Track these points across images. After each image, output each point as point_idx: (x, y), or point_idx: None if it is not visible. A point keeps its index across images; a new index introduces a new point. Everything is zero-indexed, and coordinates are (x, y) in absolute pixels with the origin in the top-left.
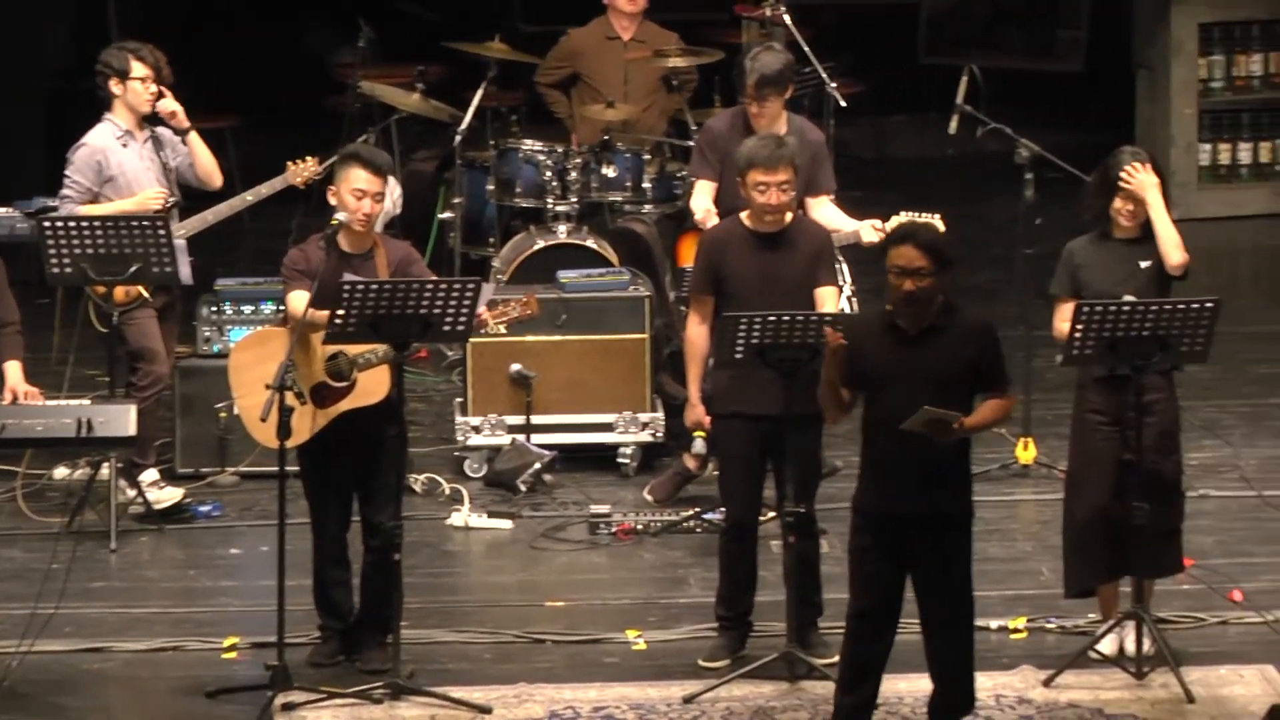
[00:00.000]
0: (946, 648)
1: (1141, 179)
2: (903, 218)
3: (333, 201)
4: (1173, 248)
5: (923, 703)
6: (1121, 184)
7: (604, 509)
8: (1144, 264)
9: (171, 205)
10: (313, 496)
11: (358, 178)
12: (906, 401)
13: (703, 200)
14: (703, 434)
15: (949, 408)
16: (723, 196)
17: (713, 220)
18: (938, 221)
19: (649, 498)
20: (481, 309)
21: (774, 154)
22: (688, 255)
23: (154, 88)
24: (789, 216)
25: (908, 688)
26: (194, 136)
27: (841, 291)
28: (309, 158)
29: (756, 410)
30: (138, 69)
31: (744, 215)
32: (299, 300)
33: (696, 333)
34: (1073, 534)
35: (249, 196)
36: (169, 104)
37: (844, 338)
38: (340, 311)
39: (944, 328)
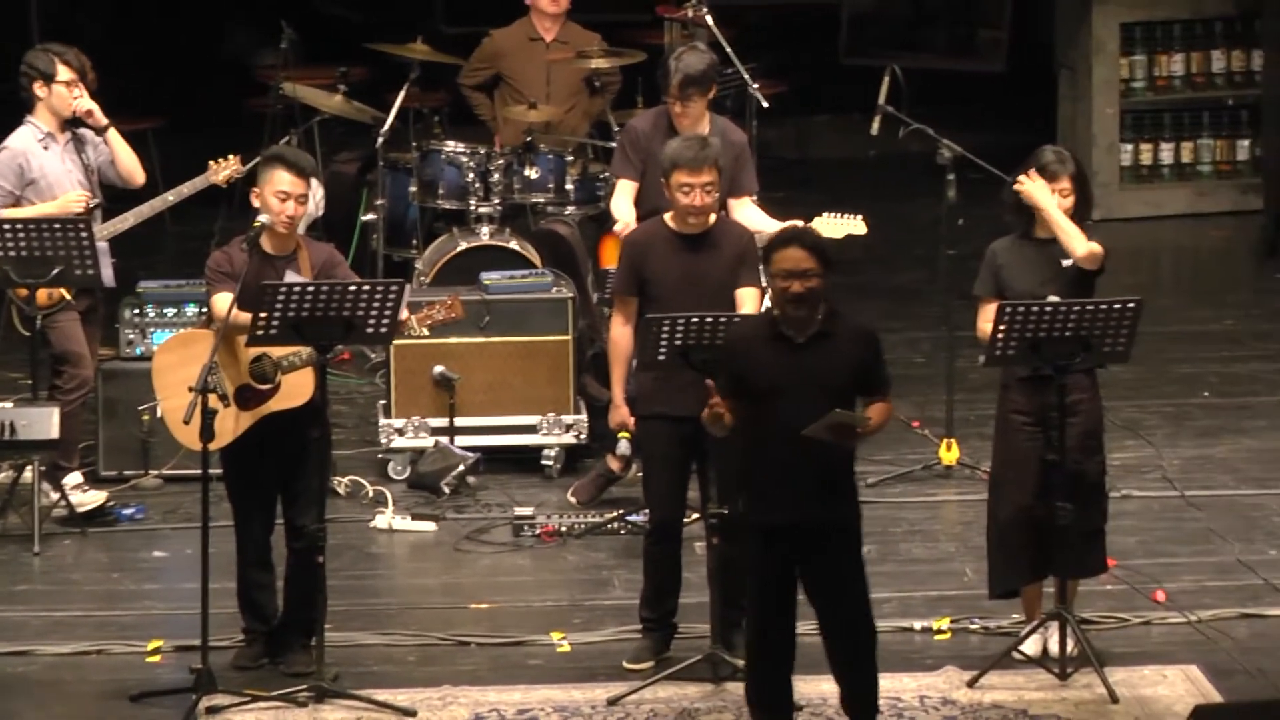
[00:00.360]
0: (850, 654)
1: (1030, 187)
2: (825, 218)
3: (255, 203)
4: (1075, 240)
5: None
6: (1017, 189)
7: (528, 511)
8: (1066, 263)
9: (94, 207)
10: (236, 499)
11: (281, 179)
12: (799, 410)
13: (623, 201)
14: (627, 435)
15: (831, 410)
16: (644, 197)
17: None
18: (860, 222)
19: (572, 499)
20: (404, 312)
21: (698, 155)
22: (610, 257)
23: (78, 91)
24: (712, 218)
25: (832, 689)
26: (113, 134)
27: (765, 293)
28: (231, 156)
29: (679, 412)
30: (63, 72)
31: (667, 216)
32: (223, 302)
33: (620, 334)
34: (996, 535)
35: (170, 196)
36: (85, 102)
37: (731, 349)
38: (263, 314)
39: (830, 333)
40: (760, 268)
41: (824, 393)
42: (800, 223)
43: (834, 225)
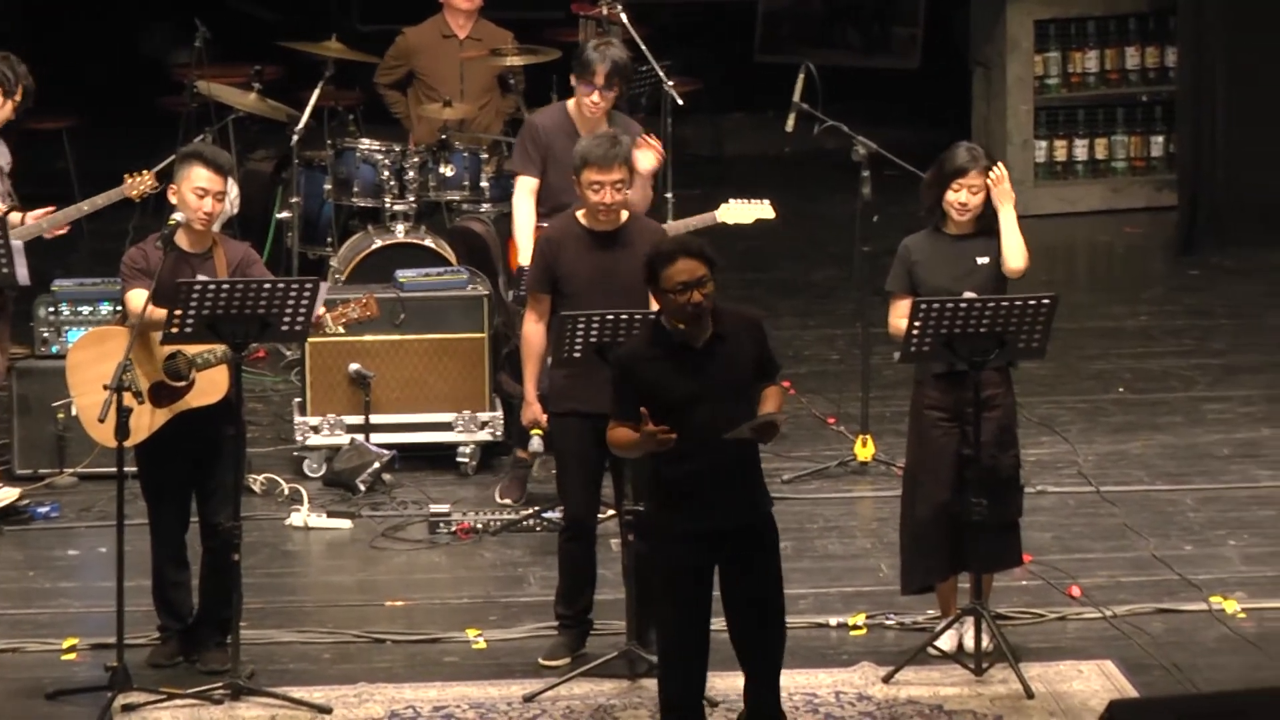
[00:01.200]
0: (763, 656)
1: (1004, 190)
2: (733, 204)
3: (173, 200)
4: (1016, 255)
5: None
6: (990, 184)
7: (443, 508)
8: (981, 260)
9: (8, 210)
10: (151, 497)
11: (199, 176)
12: (712, 415)
13: (524, 201)
14: (539, 432)
15: (744, 408)
16: (546, 194)
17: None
18: (768, 207)
19: (504, 500)
20: (320, 310)
21: (608, 153)
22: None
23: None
24: (625, 215)
25: None
26: None
27: None
28: (145, 171)
29: (592, 409)
30: None
31: (580, 213)
32: (137, 298)
33: (533, 331)
34: (911, 531)
35: (85, 206)
36: None
37: (629, 370)
38: (177, 311)
39: (723, 333)
40: None
41: (732, 393)
42: (751, 203)
43: (742, 211)
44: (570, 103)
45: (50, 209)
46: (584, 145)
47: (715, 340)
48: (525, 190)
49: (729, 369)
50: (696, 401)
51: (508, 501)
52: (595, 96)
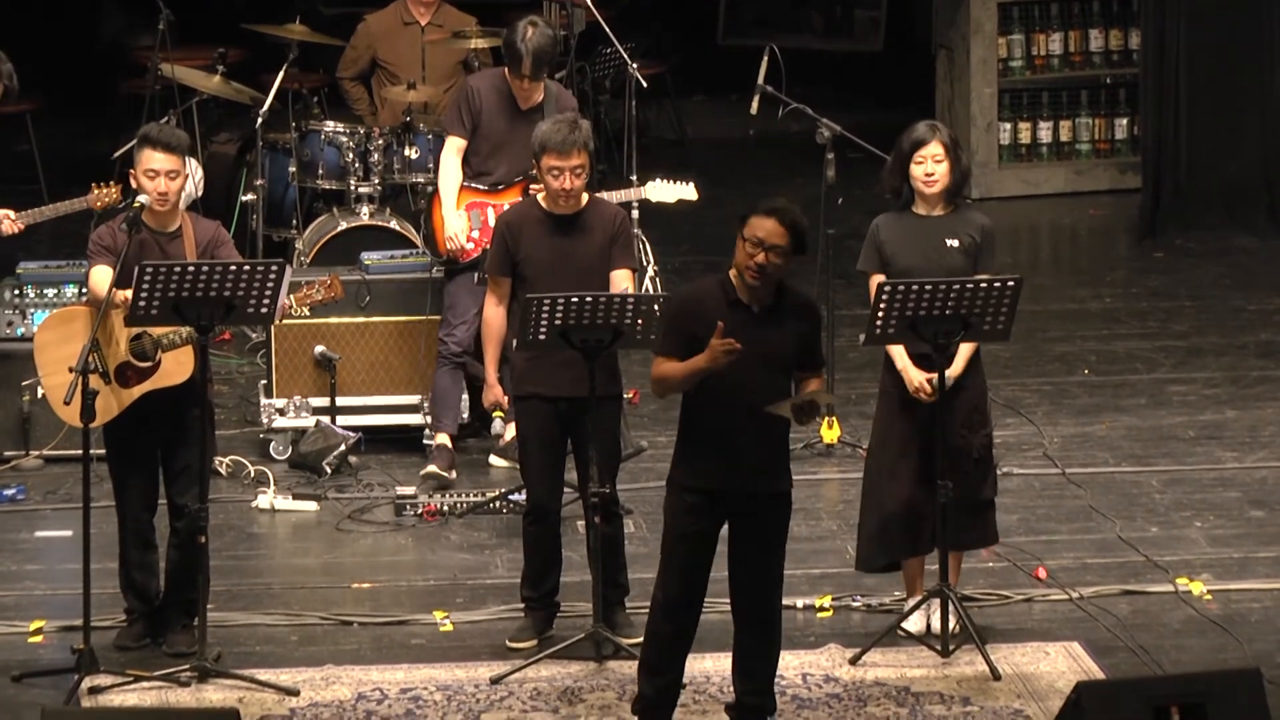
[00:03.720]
0: (759, 623)
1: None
2: (657, 184)
3: (135, 184)
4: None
5: (730, 682)
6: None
7: (409, 490)
8: (950, 242)
9: None
10: (117, 479)
11: (150, 158)
12: (744, 378)
13: (451, 160)
14: (501, 414)
15: (778, 385)
16: (472, 156)
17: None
18: (691, 188)
19: (431, 469)
20: (285, 298)
21: (567, 139)
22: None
23: None
24: (585, 198)
25: (714, 666)
26: None
27: (644, 273)
28: (112, 183)
29: (555, 392)
30: None
31: (540, 196)
32: (99, 275)
33: (493, 313)
34: (875, 511)
35: (47, 211)
36: None
37: (684, 309)
38: (143, 293)
39: (780, 306)
40: (639, 246)
41: (770, 364)
42: (675, 182)
43: (665, 190)
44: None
45: (8, 212)
46: (543, 131)
47: (772, 311)
48: (452, 149)
49: (776, 341)
50: (738, 361)
51: (434, 469)
52: (525, 84)
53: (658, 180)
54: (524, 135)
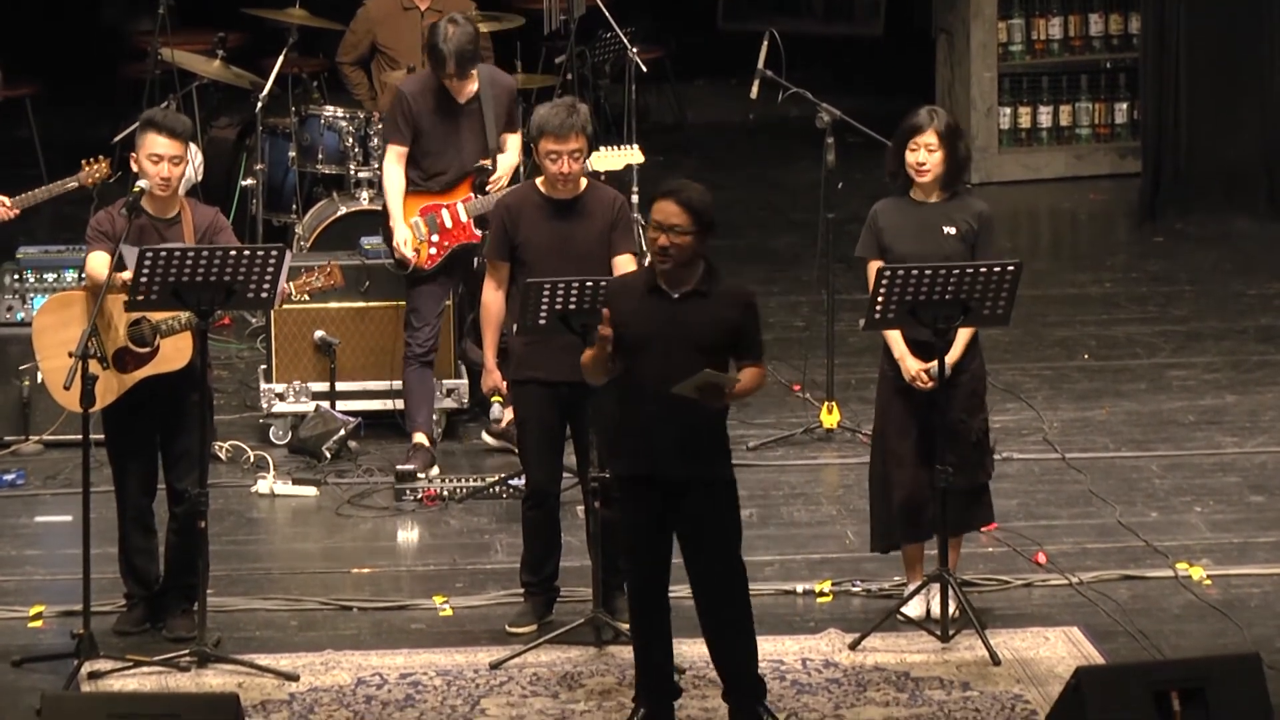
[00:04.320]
0: (716, 615)
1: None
2: (602, 152)
3: (135, 169)
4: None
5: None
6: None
7: (409, 467)
8: (947, 230)
9: None
10: (116, 464)
11: (154, 143)
12: (665, 364)
13: (394, 170)
14: (499, 399)
15: (705, 369)
16: (422, 160)
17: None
18: (636, 151)
19: (408, 466)
20: (285, 285)
21: (564, 123)
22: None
23: None
24: (584, 183)
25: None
26: None
27: (643, 258)
28: (101, 159)
29: (553, 376)
30: None
31: (539, 181)
32: (96, 261)
33: (492, 298)
34: (878, 493)
35: (40, 193)
36: None
37: (609, 298)
38: (142, 278)
39: (706, 292)
40: (634, 232)
41: (692, 349)
42: (620, 148)
43: (611, 158)
44: None
45: (1, 198)
46: (541, 115)
47: (693, 295)
48: (393, 157)
49: (694, 325)
50: (650, 347)
51: (411, 467)
52: (453, 84)
53: (601, 149)
54: (466, 129)
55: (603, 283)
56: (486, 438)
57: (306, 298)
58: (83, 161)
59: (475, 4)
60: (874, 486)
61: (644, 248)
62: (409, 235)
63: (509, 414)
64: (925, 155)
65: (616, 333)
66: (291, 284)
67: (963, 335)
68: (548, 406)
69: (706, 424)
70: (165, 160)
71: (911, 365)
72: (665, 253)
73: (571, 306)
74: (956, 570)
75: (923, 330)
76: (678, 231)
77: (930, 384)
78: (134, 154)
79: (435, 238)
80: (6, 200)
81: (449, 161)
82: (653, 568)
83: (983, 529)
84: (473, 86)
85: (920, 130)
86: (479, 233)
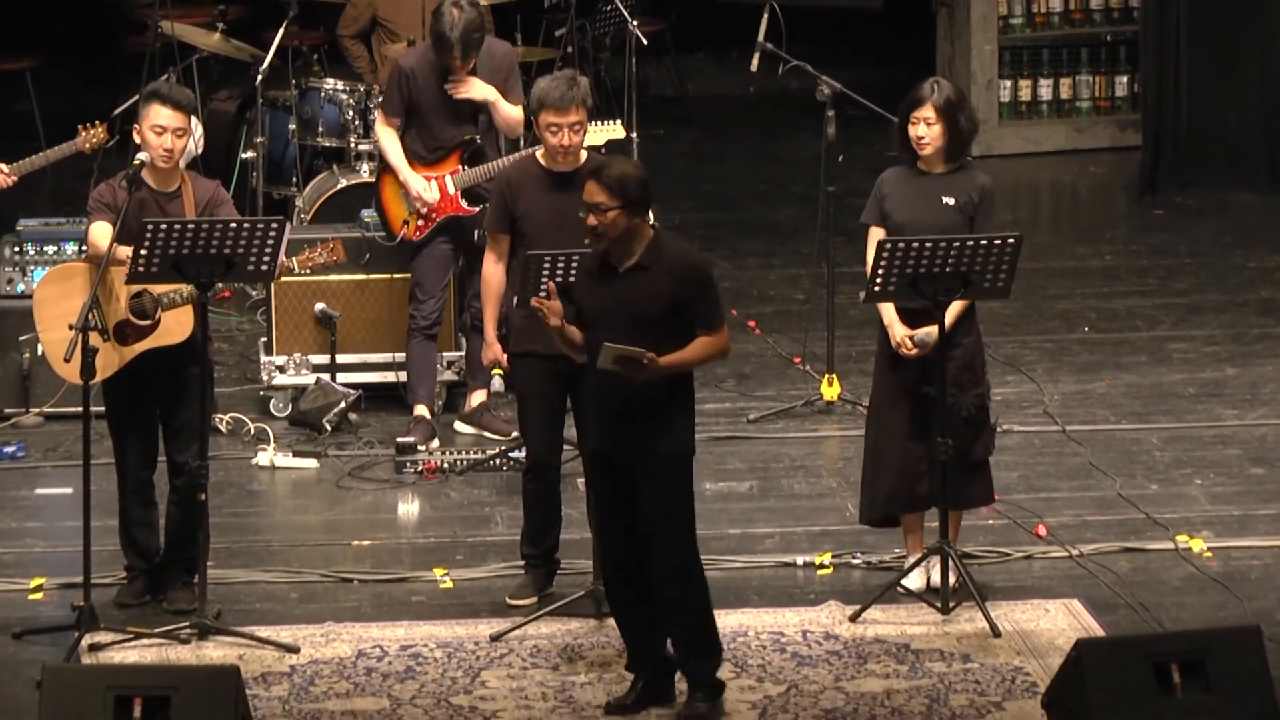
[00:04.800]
0: (661, 594)
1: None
2: (592, 126)
3: (137, 140)
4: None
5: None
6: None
7: (410, 440)
8: (947, 200)
9: None
10: (116, 437)
11: (158, 114)
12: (607, 339)
13: (391, 142)
14: (500, 371)
15: (653, 346)
16: (422, 134)
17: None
18: (618, 126)
19: (408, 438)
20: (287, 258)
21: (565, 95)
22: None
23: None
24: (584, 155)
25: (720, 623)
26: None
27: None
28: (98, 124)
29: (553, 349)
30: None
31: (539, 153)
32: (99, 231)
33: (492, 271)
34: (872, 463)
35: (38, 160)
36: None
37: (568, 280)
38: (143, 250)
39: (649, 265)
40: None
41: (634, 324)
42: (604, 124)
43: (594, 133)
44: None
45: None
46: (541, 88)
47: (636, 269)
48: (383, 124)
49: (635, 300)
50: (599, 320)
51: (411, 440)
52: (457, 63)
53: (592, 125)
54: (463, 103)
55: None
56: (459, 426)
57: (308, 272)
58: (79, 127)
59: None
60: (866, 459)
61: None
62: (425, 184)
63: (477, 396)
64: (925, 129)
65: (576, 309)
66: (294, 259)
67: (954, 307)
68: (547, 379)
69: (656, 397)
70: (169, 132)
71: (898, 332)
72: (595, 232)
73: (572, 279)
74: (957, 543)
75: (924, 301)
76: (602, 210)
77: (914, 351)
78: (137, 125)
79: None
80: (4, 167)
81: (447, 134)
82: (612, 542)
83: (984, 505)
84: (472, 63)
85: (920, 104)
86: (466, 205)
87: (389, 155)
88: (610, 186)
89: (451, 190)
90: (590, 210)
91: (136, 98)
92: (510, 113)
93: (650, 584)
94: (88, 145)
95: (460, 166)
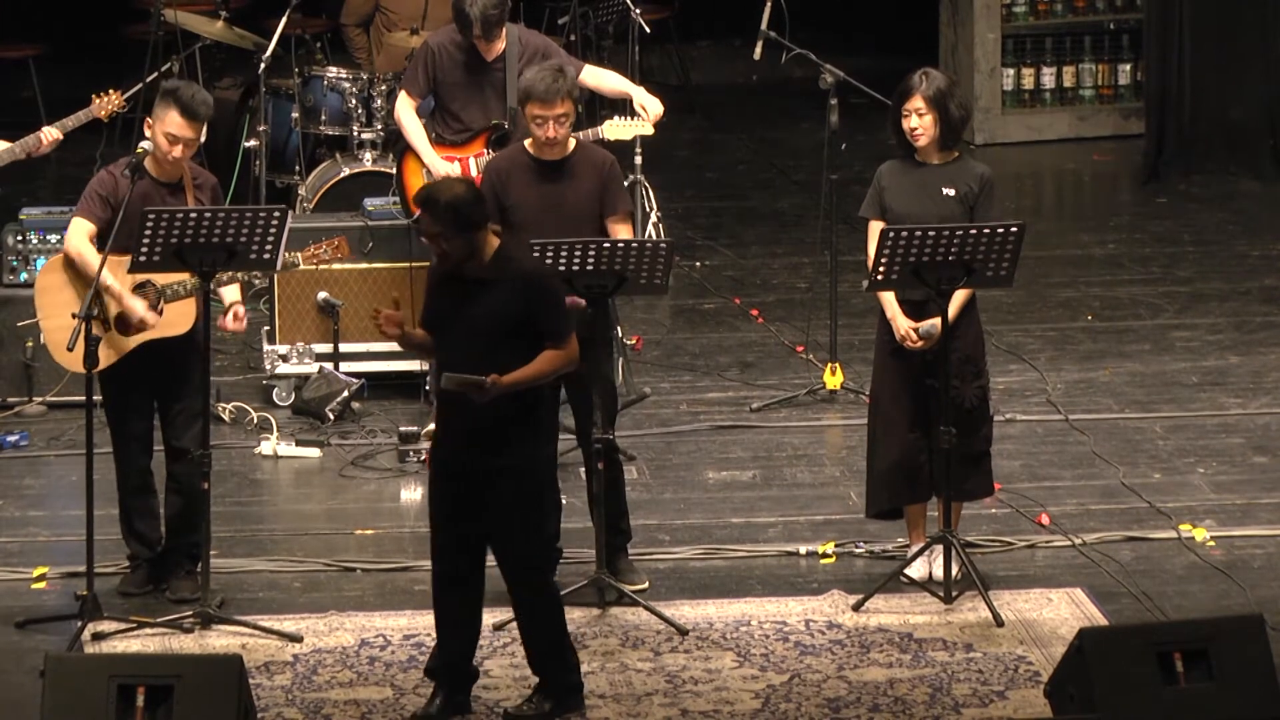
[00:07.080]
0: (516, 606)
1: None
2: (615, 122)
3: (147, 132)
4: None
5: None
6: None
7: (413, 429)
8: (947, 191)
9: None
10: (115, 426)
11: (173, 121)
12: (450, 354)
13: (409, 115)
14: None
15: (499, 360)
16: (446, 116)
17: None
18: (647, 124)
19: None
20: (292, 255)
21: (550, 88)
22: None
23: None
24: (571, 144)
25: (717, 613)
26: None
27: (648, 218)
28: (113, 91)
29: None
30: None
31: (527, 143)
32: (78, 234)
33: None
34: (875, 455)
35: (55, 130)
36: None
37: (428, 286)
38: (145, 239)
39: (492, 280)
40: (641, 191)
41: (474, 338)
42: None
43: (622, 128)
44: None
45: (47, 130)
46: (528, 80)
47: (478, 284)
48: (405, 104)
49: (476, 315)
50: (445, 334)
51: (414, 429)
52: (481, 44)
53: (615, 118)
54: (489, 86)
55: (606, 244)
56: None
57: (313, 266)
58: (93, 95)
59: None
60: (872, 453)
61: (648, 209)
62: (448, 164)
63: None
64: (916, 120)
65: (424, 320)
66: (299, 255)
67: (956, 297)
68: None
69: (504, 412)
70: (181, 142)
71: (902, 324)
72: (443, 256)
73: (575, 268)
74: (959, 532)
75: (916, 290)
76: (431, 234)
77: (919, 343)
78: (150, 118)
79: None
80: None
81: (473, 117)
82: (444, 548)
83: (984, 497)
84: (500, 45)
85: (909, 95)
86: None
87: (409, 133)
88: (443, 218)
89: (474, 172)
90: (430, 239)
91: (139, 85)
92: (609, 84)
93: (480, 596)
94: (103, 112)
95: (486, 150)
